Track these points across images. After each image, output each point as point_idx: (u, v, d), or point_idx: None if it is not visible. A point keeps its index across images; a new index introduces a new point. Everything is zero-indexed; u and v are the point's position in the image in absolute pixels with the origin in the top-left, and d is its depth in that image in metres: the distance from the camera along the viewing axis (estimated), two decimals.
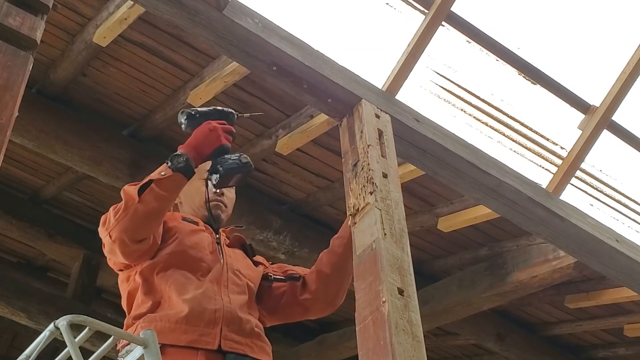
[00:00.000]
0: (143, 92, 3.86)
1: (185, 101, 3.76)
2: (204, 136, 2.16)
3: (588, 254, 3.78)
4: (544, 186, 3.85)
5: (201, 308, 2.08)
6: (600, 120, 3.88)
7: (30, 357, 1.68)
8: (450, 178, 3.39)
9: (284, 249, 4.33)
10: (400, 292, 2.33)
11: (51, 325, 1.61)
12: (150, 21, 3.45)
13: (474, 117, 3.92)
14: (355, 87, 3.09)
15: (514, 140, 4.03)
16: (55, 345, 1.69)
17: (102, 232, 2.11)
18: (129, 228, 2.04)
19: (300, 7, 3.68)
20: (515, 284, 4.37)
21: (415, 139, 3.25)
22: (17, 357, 1.69)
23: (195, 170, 2.13)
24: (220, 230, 2.39)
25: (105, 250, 2.15)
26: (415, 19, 3.42)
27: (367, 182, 2.70)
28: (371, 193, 2.65)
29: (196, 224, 2.31)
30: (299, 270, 2.48)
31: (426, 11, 3.41)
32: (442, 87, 3.84)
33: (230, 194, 2.47)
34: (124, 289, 2.21)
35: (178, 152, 2.12)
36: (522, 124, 4.04)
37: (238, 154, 2.18)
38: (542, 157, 4.07)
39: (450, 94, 3.86)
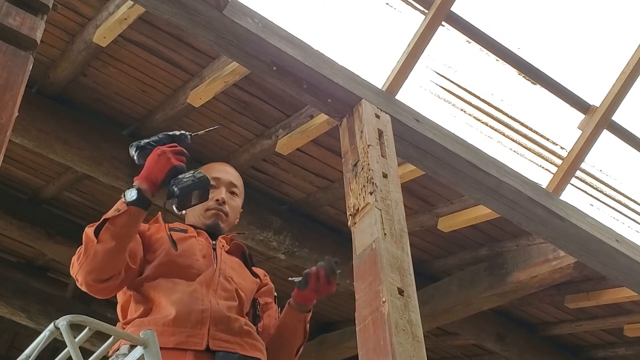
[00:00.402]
0: (143, 92, 3.86)
1: (185, 101, 3.76)
2: (154, 162, 2.12)
3: (588, 254, 3.78)
4: (544, 186, 3.85)
5: (188, 309, 2.09)
6: (600, 120, 3.89)
7: (30, 357, 1.68)
8: (450, 178, 3.39)
9: (284, 249, 4.33)
10: (400, 292, 2.33)
11: (51, 325, 1.61)
12: (150, 21, 3.45)
13: (474, 117, 3.92)
14: (355, 87, 3.10)
15: (514, 140, 4.03)
16: (55, 345, 1.69)
17: (72, 273, 2.13)
18: (92, 270, 2.06)
19: (300, 7, 3.68)
20: (515, 284, 4.36)
21: (415, 139, 3.25)
22: (17, 357, 1.69)
23: (151, 199, 2.07)
24: (220, 237, 2.38)
25: None
26: (415, 19, 3.43)
27: (367, 182, 2.70)
28: (371, 193, 2.65)
29: (184, 231, 2.32)
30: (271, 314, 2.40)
31: (426, 11, 3.42)
32: (442, 87, 3.84)
33: (234, 202, 2.46)
34: (119, 299, 2.25)
35: (132, 185, 2.10)
36: (522, 124, 4.04)
37: (192, 171, 2.12)
38: (542, 157, 4.07)
39: (450, 94, 3.86)
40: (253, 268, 2.41)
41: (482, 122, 3.95)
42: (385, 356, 2.13)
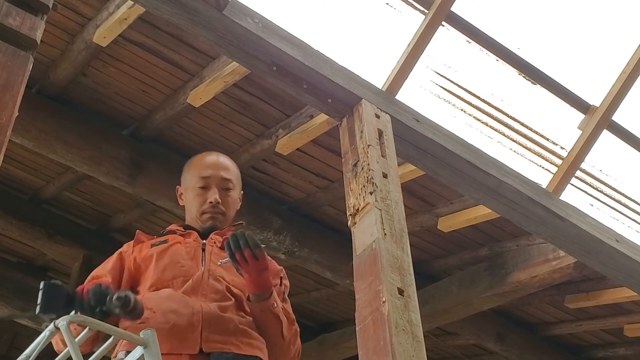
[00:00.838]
0: (143, 92, 3.86)
1: (185, 101, 3.75)
2: None
3: (588, 254, 3.78)
4: (544, 186, 3.85)
5: (179, 316, 2.09)
6: (600, 120, 3.89)
7: (30, 357, 1.68)
8: (450, 178, 3.39)
9: (284, 249, 4.33)
10: (400, 292, 2.33)
11: (51, 325, 1.61)
12: (150, 21, 3.44)
13: (474, 117, 3.92)
14: (355, 87, 3.10)
15: (514, 140, 4.03)
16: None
17: None
18: None
19: (300, 7, 3.68)
20: (515, 284, 4.37)
21: (415, 139, 3.25)
22: (17, 357, 1.69)
23: None
24: (213, 233, 2.35)
25: None
26: (415, 19, 3.43)
27: (367, 182, 2.70)
28: (371, 193, 2.65)
29: (165, 242, 2.31)
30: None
31: (426, 11, 3.42)
32: (442, 87, 3.84)
33: (229, 198, 2.43)
34: None
35: None
36: (522, 124, 4.04)
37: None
38: (542, 157, 4.07)
39: (450, 94, 3.86)
40: None
41: (482, 122, 3.95)
42: (385, 356, 2.13)
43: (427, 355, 2.20)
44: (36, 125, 3.76)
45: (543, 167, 4.06)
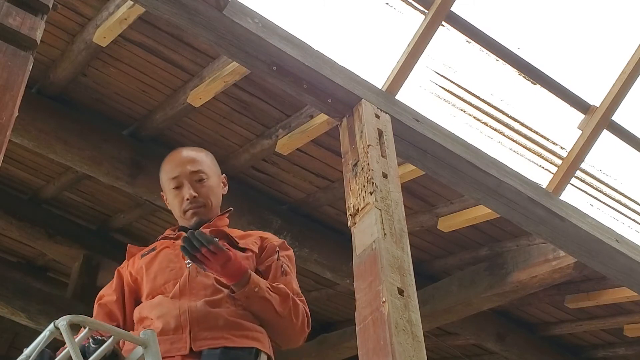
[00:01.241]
0: (143, 92, 3.86)
1: (185, 101, 3.75)
2: None
3: (588, 254, 3.78)
4: (544, 186, 3.85)
5: (167, 319, 2.11)
6: (600, 120, 3.89)
7: (30, 357, 1.68)
8: (450, 178, 3.39)
9: None
10: (400, 292, 2.33)
11: (51, 325, 1.61)
12: (150, 21, 3.44)
13: (474, 117, 3.92)
14: (355, 87, 3.10)
15: (514, 140, 4.03)
16: (56, 345, 1.69)
17: None
18: None
19: (300, 7, 3.68)
20: (515, 284, 4.36)
21: (415, 139, 3.25)
22: (17, 357, 1.69)
23: None
24: (202, 227, 2.33)
25: None
26: (415, 19, 3.43)
27: (367, 182, 2.70)
28: (371, 193, 2.65)
29: (153, 249, 2.33)
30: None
31: (426, 11, 3.42)
32: (442, 87, 3.84)
33: (204, 187, 2.39)
34: None
35: None
36: (522, 124, 4.04)
37: None
38: (542, 157, 4.07)
39: (450, 94, 3.86)
40: (245, 240, 2.34)
41: (482, 122, 3.95)
42: (385, 356, 2.13)
43: (427, 355, 2.20)
44: (36, 125, 3.76)
45: (543, 167, 4.06)
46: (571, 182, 3.99)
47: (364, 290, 2.41)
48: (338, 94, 3.05)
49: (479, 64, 3.76)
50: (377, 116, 3.04)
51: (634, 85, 3.93)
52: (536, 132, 4.07)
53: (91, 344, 1.74)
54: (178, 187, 2.40)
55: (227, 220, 2.47)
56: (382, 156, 2.85)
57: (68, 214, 4.96)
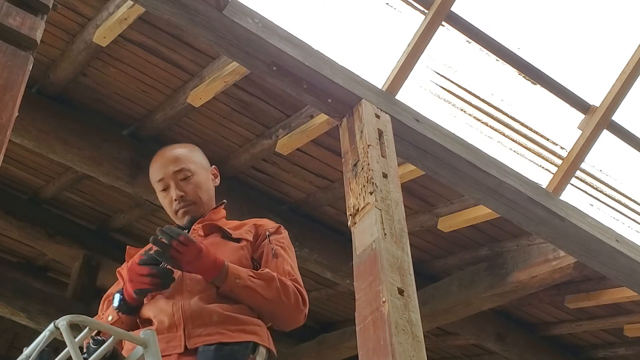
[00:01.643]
0: (143, 92, 3.86)
1: (185, 101, 3.76)
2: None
3: (588, 254, 3.78)
4: (544, 186, 3.85)
5: (162, 318, 2.11)
6: (600, 120, 3.89)
7: (30, 357, 1.68)
8: (450, 178, 3.39)
9: None
10: (400, 292, 2.33)
11: (51, 325, 1.61)
12: (150, 21, 3.44)
13: (474, 117, 3.92)
14: (355, 87, 3.10)
15: (514, 140, 4.03)
16: (56, 345, 1.69)
17: None
18: None
19: (300, 7, 3.68)
20: (515, 284, 4.36)
21: (415, 139, 3.25)
22: (17, 357, 1.69)
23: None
24: (195, 224, 2.33)
25: None
26: (415, 19, 3.43)
27: (367, 182, 2.70)
28: (371, 193, 2.65)
29: (150, 250, 2.33)
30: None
31: (426, 11, 3.42)
32: (442, 87, 3.84)
33: (190, 185, 2.37)
34: None
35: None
36: (522, 124, 4.03)
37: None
38: (542, 157, 4.07)
39: (450, 94, 3.86)
40: (240, 230, 2.33)
41: (482, 122, 3.95)
42: (385, 356, 2.13)
43: (427, 355, 2.20)
44: (36, 125, 3.76)
45: (543, 167, 4.06)
46: (571, 182, 3.99)
47: (364, 290, 2.41)
48: (338, 94, 3.05)
49: (479, 64, 3.76)
50: (377, 116, 3.04)
51: (634, 85, 3.93)
52: (536, 132, 4.07)
53: (91, 344, 1.74)
54: (165, 189, 2.39)
55: (224, 211, 2.45)
56: (382, 156, 2.85)
57: (68, 214, 4.96)
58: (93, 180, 4.44)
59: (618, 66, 3.94)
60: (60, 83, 3.81)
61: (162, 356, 1.98)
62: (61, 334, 1.58)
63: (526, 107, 4.04)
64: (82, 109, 3.96)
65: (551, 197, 3.75)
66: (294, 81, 2.98)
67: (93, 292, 5.04)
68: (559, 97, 3.89)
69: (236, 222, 2.40)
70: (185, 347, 2.05)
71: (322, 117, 3.64)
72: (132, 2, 3.10)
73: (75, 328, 1.59)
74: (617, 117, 3.98)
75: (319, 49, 3.08)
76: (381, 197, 2.65)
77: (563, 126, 4.13)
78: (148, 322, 2.18)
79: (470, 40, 3.60)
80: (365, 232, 2.57)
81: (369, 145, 2.82)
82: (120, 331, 1.70)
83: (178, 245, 2.06)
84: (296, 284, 2.22)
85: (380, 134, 2.95)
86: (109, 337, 1.66)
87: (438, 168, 3.34)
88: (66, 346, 1.56)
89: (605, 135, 3.99)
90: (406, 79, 3.38)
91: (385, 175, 2.76)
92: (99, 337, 1.75)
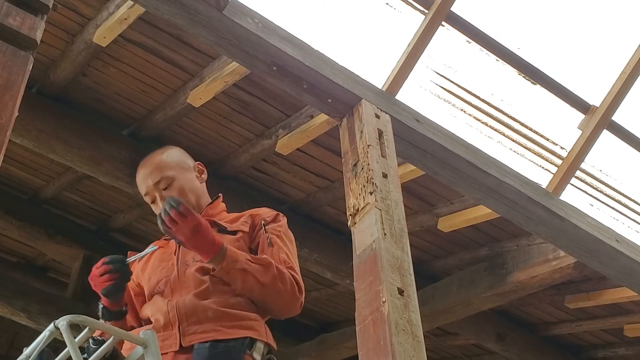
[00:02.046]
0: (143, 92, 3.86)
1: (185, 101, 3.75)
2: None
3: (588, 254, 3.78)
4: (544, 186, 3.85)
5: (157, 317, 2.13)
6: (600, 120, 3.89)
7: (30, 357, 1.68)
8: (450, 178, 3.39)
9: None
10: (400, 292, 2.33)
11: (51, 325, 1.61)
12: (150, 21, 3.44)
13: (474, 117, 3.92)
14: (355, 87, 3.10)
15: (514, 140, 4.03)
16: (56, 345, 1.69)
17: None
18: None
19: (300, 7, 3.68)
20: (515, 284, 4.36)
21: (415, 139, 3.25)
22: (17, 357, 1.69)
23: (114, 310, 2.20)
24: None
25: None
26: (415, 19, 3.43)
27: (367, 182, 2.70)
28: (371, 193, 2.65)
29: (148, 253, 2.35)
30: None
31: (426, 11, 3.42)
32: (442, 87, 3.84)
33: (173, 191, 2.35)
34: None
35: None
36: (522, 124, 4.04)
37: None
38: (542, 157, 4.07)
39: (450, 94, 3.86)
40: (236, 222, 2.32)
41: (482, 122, 3.95)
42: (385, 356, 2.13)
43: (427, 355, 2.20)
44: (36, 125, 3.76)
45: (543, 167, 4.06)
46: (571, 182, 3.99)
47: (364, 290, 2.41)
48: (338, 94, 3.05)
49: (479, 64, 3.76)
50: (377, 116, 3.04)
51: (634, 85, 3.93)
52: (536, 132, 4.07)
53: (91, 344, 1.74)
54: (153, 202, 2.41)
55: (222, 205, 2.45)
56: (382, 156, 2.85)
57: (68, 214, 4.96)
58: (93, 180, 4.44)
59: (618, 66, 3.94)
60: (60, 83, 3.81)
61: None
62: (61, 334, 1.58)
63: (526, 107, 4.05)
64: (82, 109, 3.96)
65: (551, 197, 3.75)
66: (294, 81, 2.98)
67: (93, 292, 5.02)
68: (559, 97, 3.89)
69: (234, 215, 2.39)
70: (181, 345, 2.05)
71: (322, 117, 3.64)
72: (132, 2, 3.10)
73: (75, 328, 1.59)
74: (617, 117, 3.98)
75: (319, 49, 3.08)
76: (381, 197, 2.65)
77: (563, 126, 4.14)
78: (148, 321, 2.20)
79: (470, 40, 3.60)
80: (365, 232, 2.57)
81: (369, 145, 2.82)
82: (120, 331, 1.70)
83: (176, 215, 2.05)
84: (292, 272, 2.21)
85: (380, 134, 2.95)
86: (109, 337, 1.67)
87: (438, 168, 3.34)
88: (66, 346, 1.56)
89: (605, 135, 3.99)
90: (406, 79, 3.38)
91: (385, 175, 2.76)
92: (99, 337, 1.75)
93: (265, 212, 2.39)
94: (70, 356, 1.56)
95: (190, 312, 2.10)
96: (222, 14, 2.74)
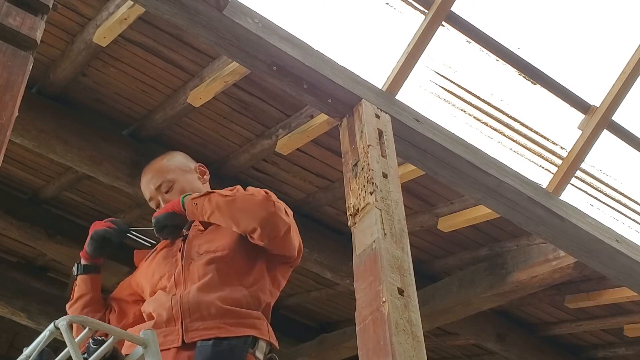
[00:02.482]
0: (143, 92, 3.86)
1: (185, 101, 3.75)
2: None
3: (588, 254, 3.78)
4: (544, 186, 3.85)
5: (159, 312, 2.13)
6: (600, 120, 3.89)
7: (30, 357, 1.68)
8: (450, 178, 3.39)
9: None
10: (400, 292, 2.33)
11: (51, 325, 1.61)
12: (150, 21, 3.44)
13: (474, 117, 3.92)
14: (355, 87, 3.10)
15: (514, 140, 4.03)
16: (56, 345, 1.69)
17: None
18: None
19: (300, 7, 3.68)
20: (515, 284, 4.36)
21: (415, 139, 3.25)
22: (17, 357, 1.69)
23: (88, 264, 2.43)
24: (193, 223, 2.36)
25: None
26: (415, 19, 3.43)
27: (367, 182, 2.71)
28: (371, 193, 2.65)
29: (154, 251, 2.41)
30: None
31: (426, 11, 3.42)
32: (442, 87, 3.84)
33: (173, 196, 2.43)
34: None
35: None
36: (522, 124, 4.04)
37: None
38: (542, 157, 4.07)
39: (450, 94, 3.86)
40: None
41: (482, 122, 3.95)
42: (385, 356, 2.13)
43: (427, 355, 2.20)
44: (36, 125, 3.76)
45: (543, 167, 4.06)
46: (571, 182, 3.99)
47: (364, 290, 2.41)
48: (338, 94, 3.05)
49: (479, 64, 3.76)
50: (377, 116, 3.04)
51: (634, 85, 3.93)
52: (536, 132, 4.07)
53: (91, 344, 1.74)
54: (157, 206, 2.49)
55: None
56: (382, 156, 2.85)
57: (68, 214, 4.95)
58: (93, 180, 4.44)
59: (618, 66, 3.94)
60: (60, 83, 3.81)
61: (161, 350, 1.99)
62: (61, 334, 1.58)
63: (526, 107, 4.05)
64: (82, 109, 3.96)
65: (551, 197, 3.75)
66: (294, 81, 2.98)
67: None
68: (559, 97, 3.89)
69: None
70: (183, 341, 2.05)
71: (322, 117, 3.64)
72: (132, 2, 3.10)
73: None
74: (617, 117, 3.98)
75: (319, 49, 3.08)
76: (381, 197, 2.65)
77: (563, 126, 4.14)
78: (149, 317, 2.19)
79: (470, 40, 3.60)
80: (365, 232, 2.57)
81: (369, 145, 2.82)
82: (120, 331, 1.70)
83: (165, 219, 2.31)
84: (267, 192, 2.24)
85: (380, 134, 2.95)
86: (109, 337, 1.67)
87: (438, 168, 3.34)
88: (66, 346, 1.56)
89: (605, 135, 3.99)
90: (406, 79, 3.38)
91: (385, 175, 2.76)
92: (99, 337, 1.75)
93: None
94: (70, 356, 1.56)
95: (193, 308, 2.09)
96: (222, 14, 2.75)
